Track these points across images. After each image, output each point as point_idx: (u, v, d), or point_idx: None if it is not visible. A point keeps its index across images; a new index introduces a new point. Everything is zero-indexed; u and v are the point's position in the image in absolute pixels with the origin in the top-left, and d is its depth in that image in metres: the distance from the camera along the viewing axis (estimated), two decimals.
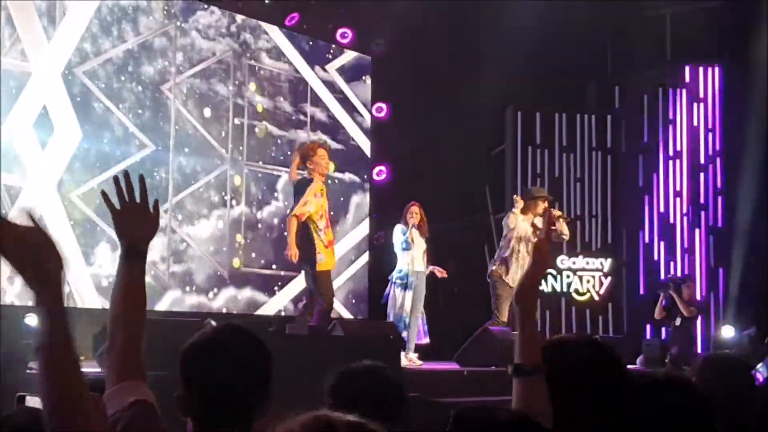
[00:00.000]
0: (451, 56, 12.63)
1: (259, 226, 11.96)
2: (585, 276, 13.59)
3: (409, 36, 12.61)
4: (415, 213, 9.71)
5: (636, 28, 13.77)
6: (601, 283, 13.63)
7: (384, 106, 13.48)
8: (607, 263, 13.65)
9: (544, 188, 10.97)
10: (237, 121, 11.81)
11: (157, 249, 10.72)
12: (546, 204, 9.67)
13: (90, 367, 6.94)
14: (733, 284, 13.23)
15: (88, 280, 10.14)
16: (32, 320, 8.58)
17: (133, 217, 2.41)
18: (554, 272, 13.46)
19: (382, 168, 13.45)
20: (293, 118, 12.47)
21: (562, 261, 13.53)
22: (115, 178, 2.42)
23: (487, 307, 9.75)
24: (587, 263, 13.62)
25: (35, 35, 9.70)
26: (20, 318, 8.24)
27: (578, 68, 13.53)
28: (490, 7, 12.33)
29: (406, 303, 9.59)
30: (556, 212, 9.77)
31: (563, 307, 13.48)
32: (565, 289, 13.51)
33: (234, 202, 11.74)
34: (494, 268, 9.62)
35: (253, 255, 11.86)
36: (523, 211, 9.61)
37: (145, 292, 2.41)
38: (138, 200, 2.43)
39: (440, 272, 9.97)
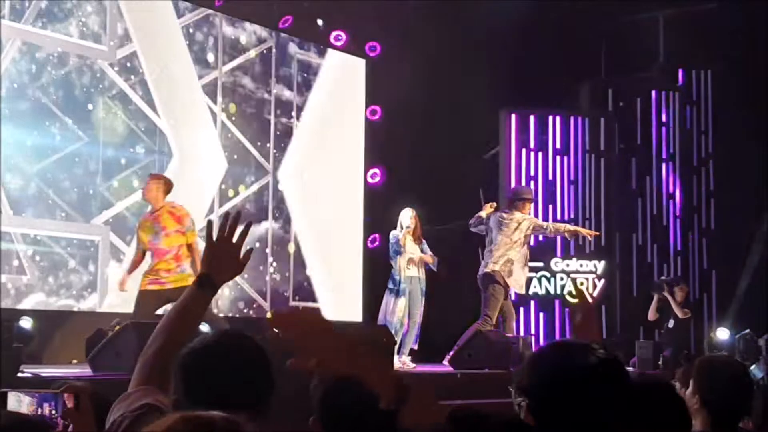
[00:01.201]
0: (445, 58, 12.63)
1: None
2: (579, 278, 13.60)
3: (403, 38, 12.62)
4: (413, 219, 9.71)
5: (630, 30, 13.79)
6: (595, 286, 13.65)
7: (378, 108, 13.48)
8: (600, 265, 13.67)
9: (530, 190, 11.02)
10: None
11: None
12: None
13: (82, 369, 6.94)
14: (739, 286, 13.24)
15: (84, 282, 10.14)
16: (26, 323, 8.55)
17: (224, 253, 2.54)
18: (548, 274, 13.48)
19: (376, 171, 13.45)
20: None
21: (556, 263, 13.55)
22: (226, 214, 2.59)
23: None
24: (581, 265, 13.64)
25: None
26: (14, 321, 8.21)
27: (572, 70, 13.55)
28: (483, 9, 12.33)
29: (397, 309, 9.58)
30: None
31: (557, 309, 13.48)
32: (558, 292, 13.52)
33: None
34: (497, 268, 9.59)
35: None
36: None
37: (200, 320, 2.59)
38: (235, 240, 2.55)
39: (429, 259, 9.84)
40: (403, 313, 9.58)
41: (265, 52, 12.29)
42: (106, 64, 10.49)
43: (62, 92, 10.05)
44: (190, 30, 11.46)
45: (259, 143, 12.09)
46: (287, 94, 12.51)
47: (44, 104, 9.88)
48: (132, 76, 10.73)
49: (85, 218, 10.27)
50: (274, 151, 12.29)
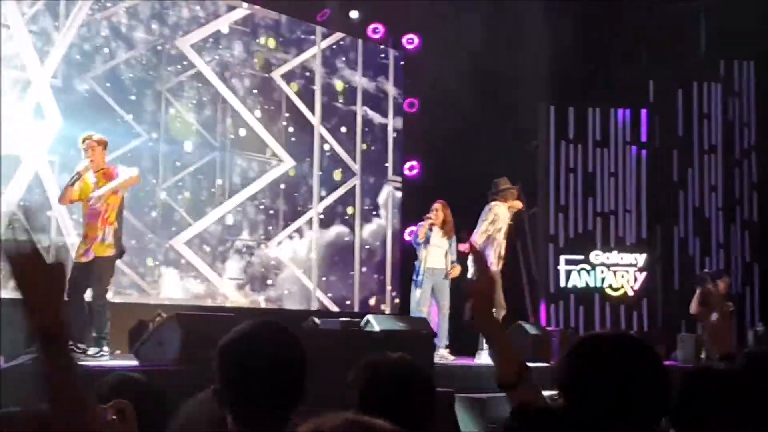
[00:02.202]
0: (484, 51, 12.60)
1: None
2: (619, 271, 13.52)
3: (441, 31, 12.61)
4: (436, 211, 9.73)
5: (670, 21, 13.66)
6: (636, 279, 13.56)
7: (415, 101, 13.49)
8: (641, 258, 13.58)
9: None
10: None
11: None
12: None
13: (127, 361, 7.04)
14: None
15: (122, 273, 10.25)
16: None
17: (32, 280, 1.74)
18: (587, 267, 13.42)
19: (414, 163, 13.47)
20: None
21: (596, 256, 13.48)
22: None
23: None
24: (621, 258, 13.56)
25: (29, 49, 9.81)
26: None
27: (612, 62, 13.45)
28: (522, 1, 12.29)
29: (420, 300, 9.64)
30: (517, 204, 9.95)
31: (597, 302, 13.42)
32: (599, 285, 13.45)
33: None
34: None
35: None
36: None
37: (80, 391, 1.78)
38: (28, 249, 1.76)
39: (451, 272, 9.79)
40: (418, 304, 9.62)
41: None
42: None
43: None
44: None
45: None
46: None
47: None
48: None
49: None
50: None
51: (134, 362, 6.48)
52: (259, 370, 2.28)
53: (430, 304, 9.72)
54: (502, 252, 9.64)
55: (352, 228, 12.70)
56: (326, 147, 12.47)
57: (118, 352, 9.19)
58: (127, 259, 10.26)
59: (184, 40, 11.09)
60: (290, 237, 11.98)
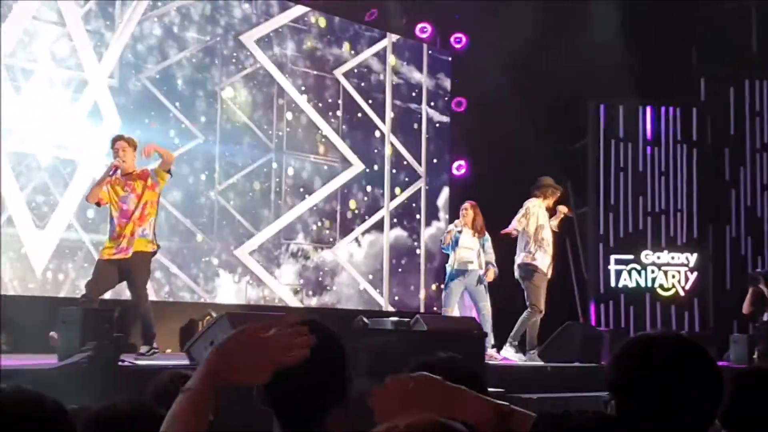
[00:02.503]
0: (532, 48, 12.55)
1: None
2: (670, 271, 13.39)
3: (488, 29, 12.57)
4: (465, 210, 9.72)
5: (722, 19, 13.50)
6: (687, 279, 13.43)
7: (463, 100, 13.48)
8: (692, 258, 13.44)
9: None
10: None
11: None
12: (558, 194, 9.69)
13: (178, 360, 7.11)
14: None
15: (173, 275, 10.36)
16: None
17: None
18: (638, 267, 13.31)
19: (462, 163, 13.46)
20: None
21: (646, 256, 13.37)
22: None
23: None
24: (672, 258, 13.43)
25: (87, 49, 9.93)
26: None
27: (663, 60, 13.32)
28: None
29: (444, 301, 9.74)
30: (564, 209, 9.77)
31: (647, 303, 13.31)
32: (649, 285, 13.34)
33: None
34: (528, 260, 9.44)
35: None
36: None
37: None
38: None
39: (486, 276, 9.70)
40: (443, 305, 9.72)
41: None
42: None
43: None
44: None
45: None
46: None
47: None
48: None
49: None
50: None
51: (186, 361, 6.54)
52: (293, 369, 2.29)
53: (457, 306, 9.71)
54: (549, 249, 9.54)
55: (413, 231, 12.71)
56: (389, 149, 12.54)
57: (168, 350, 9.30)
58: (180, 261, 10.38)
59: (249, 36, 11.19)
60: (353, 240, 12.03)
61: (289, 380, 2.27)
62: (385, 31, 12.76)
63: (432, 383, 2.04)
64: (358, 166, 12.14)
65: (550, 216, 9.70)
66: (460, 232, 9.65)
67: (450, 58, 13.47)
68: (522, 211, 9.50)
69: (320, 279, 11.68)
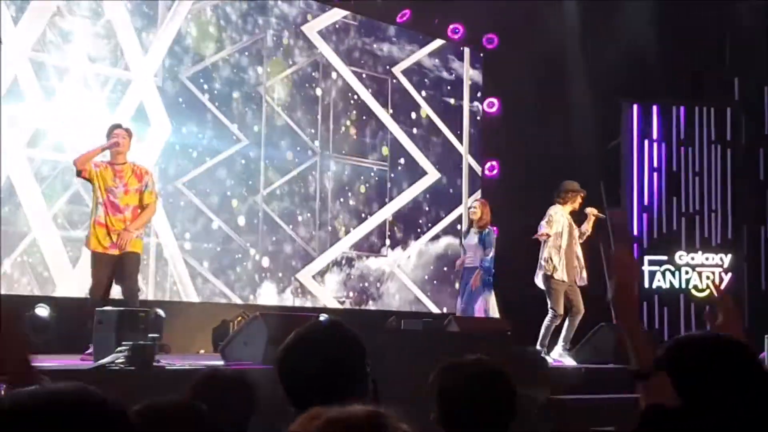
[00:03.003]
0: (565, 49, 12.52)
1: None
2: (704, 272, 13.29)
3: (521, 30, 12.55)
4: (475, 208, 9.73)
5: (755, 17, 13.39)
6: (722, 279, 13.32)
7: (495, 101, 13.47)
8: (727, 259, 13.33)
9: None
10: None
11: None
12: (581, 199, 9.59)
13: (214, 360, 7.17)
14: None
15: (206, 280, 10.40)
16: (42, 311, 8.81)
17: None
18: (672, 268, 13.23)
19: (493, 163, 13.44)
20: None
21: (680, 257, 13.28)
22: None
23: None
24: (706, 259, 13.32)
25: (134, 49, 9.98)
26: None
27: (696, 60, 13.23)
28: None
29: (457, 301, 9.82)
30: (593, 210, 9.59)
31: (682, 304, 13.21)
32: (683, 286, 13.24)
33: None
34: (545, 266, 9.39)
35: None
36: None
37: None
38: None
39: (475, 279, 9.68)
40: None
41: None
42: None
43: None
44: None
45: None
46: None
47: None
48: None
49: None
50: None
51: (220, 362, 6.59)
52: (312, 369, 2.30)
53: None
54: (579, 257, 9.50)
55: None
56: (457, 156, 12.78)
57: (202, 351, 9.36)
58: (217, 266, 10.38)
59: (310, 26, 11.37)
60: (406, 249, 12.12)
61: (306, 381, 2.29)
62: (418, 33, 12.79)
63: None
64: (433, 175, 12.31)
65: (577, 220, 9.64)
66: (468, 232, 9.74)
67: (481, 57, 13.51)
68: (546, 218, 9.49)
69: (368, 287, 11.73)
